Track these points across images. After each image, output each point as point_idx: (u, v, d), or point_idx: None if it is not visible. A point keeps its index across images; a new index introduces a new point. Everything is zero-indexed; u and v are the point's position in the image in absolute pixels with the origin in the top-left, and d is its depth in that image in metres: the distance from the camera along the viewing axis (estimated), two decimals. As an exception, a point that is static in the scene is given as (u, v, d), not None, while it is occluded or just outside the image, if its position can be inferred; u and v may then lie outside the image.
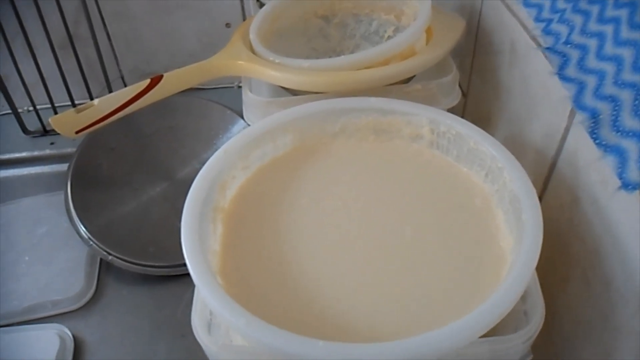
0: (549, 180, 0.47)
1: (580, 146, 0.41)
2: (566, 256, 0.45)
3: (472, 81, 0.67)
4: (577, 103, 0.36)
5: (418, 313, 0.37)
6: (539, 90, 0.48)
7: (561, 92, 0.43)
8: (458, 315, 0.33)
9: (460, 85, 0.56)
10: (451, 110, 0.50)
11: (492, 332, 0.33)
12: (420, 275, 0.39)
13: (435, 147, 0.48)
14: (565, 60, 0.37)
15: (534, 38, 0.48)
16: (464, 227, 0.42)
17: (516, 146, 0.45)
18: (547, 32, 0.40)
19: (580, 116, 0.37)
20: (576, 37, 0.36)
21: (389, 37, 0.64)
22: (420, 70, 0.53)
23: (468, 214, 0.43)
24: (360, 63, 0.51)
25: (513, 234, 0.40)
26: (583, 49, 0.35)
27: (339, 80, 0.50)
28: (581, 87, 0.35)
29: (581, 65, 0.35)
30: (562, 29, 0.38)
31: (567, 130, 0.43)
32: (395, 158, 0.48)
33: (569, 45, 0.37)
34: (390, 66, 0.52)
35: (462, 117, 0.47)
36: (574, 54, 0.36)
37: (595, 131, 0.34)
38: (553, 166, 0.46)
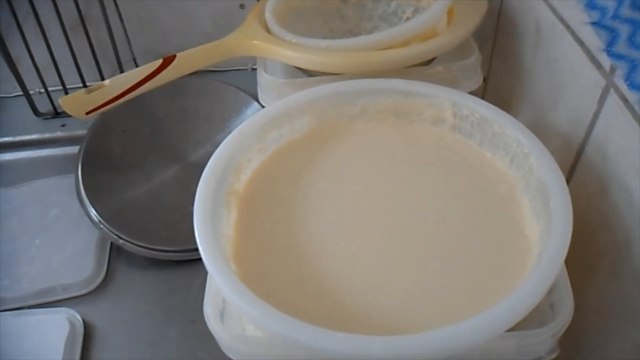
0: (575, 167, 0.46)
1: (611, 132, 0.40)
2: (593, 246, 0.43)
3: (493, 64, 0.65)
4: (631, 82, 0.34)
5: (442, 304, 0.35)
6: (566, 73, 0.46)
7: (590, 76, 0.41)
8: (484, 307, 0.31)
9: (480, 69, 0.54)
10: (471, 94, 0.48)
11: (516, 325, 0.32)
12: (443, 264, 0.38)
13: (457, 131, 0.46)
14: (614, 35, 0.35)
15: (561, 19, 0.46)
16: (488, 214, 0.41)
17: (540, 131, 0.43)
18: (590, 6, 0.38)
19: (634, 96, 0.35)
20: (626, 11, 0.34)
21: (408, 19, 0.62)
22: (441, 51, 0.51)
23: (492, 200, 0.42)
24: (380, 43, 0.50)
25: (540, 223, 0.38)
26: (634, 23, 0.33)
27: (358, 61, 0.49)
28: (633, 64, 0.33)
29: (632, 41, 0.33)
30: (609, 3, 0.36)
31: (596, 115, 0.42)
32: (416, 142, 0.47)
33: (617, 20, 0.35)
34: (411, 47, 0.50)
35: (483, 100, 0.45)
36: (624, 29, 0.34)
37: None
38: (580, 153, 0.45)
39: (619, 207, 0.39)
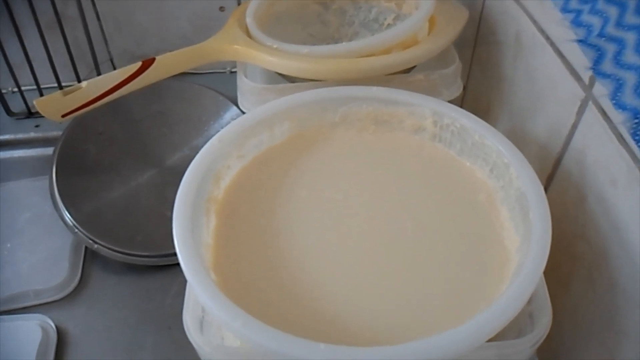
0: (553, 177, 0.46)
1: (589, 143, 0.40)
2: (570, 256, 0.43)
3: (472, 73, 0.65)
4: (617, 101, 0.34)
5: (422, 314, 0.35)
6: (545, 84, 0.47)
7: (569, 87, 0.42)
8: (464, 317, 0.31)
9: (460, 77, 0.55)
10: (450, 102, 0.48)
11: (495, 335, 0.32)
12: (423, 273, 0.38)
13: (438, 140, 0.47)
14: (600, 54, 0.35)
15: (542, 30, 0.46)
16: (467, 223, 0.41)
17: (518, 140, 0.43)
18: (577, 23, 0.38)
19: (619, 116, 0.35)
20: (611, 30, 0.34)
21: (389, 25, 0.62)
22: (422, 60, 0.51)
23: (471, 210, 0.42)
24: (362, 51, 0.50)
25: (519, 233, 0.38)
26: (620, 42, 0.33)
27: (339, 68, 0.49)
28: (619, 84, 0.33)
29: (618, 60, 0.33)
30: (595, 21, 0.36)
31: (574, 126, 0.42)
32: (397, 150, 0.47)
33: (603, 39, 0.35)
34: (393, 55, 0.50)
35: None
36: (610, 48, 0.34)
37: (639, 133, 0.33)
38: (558, 162, 0.45)
39: (595, 217, 0.40)
